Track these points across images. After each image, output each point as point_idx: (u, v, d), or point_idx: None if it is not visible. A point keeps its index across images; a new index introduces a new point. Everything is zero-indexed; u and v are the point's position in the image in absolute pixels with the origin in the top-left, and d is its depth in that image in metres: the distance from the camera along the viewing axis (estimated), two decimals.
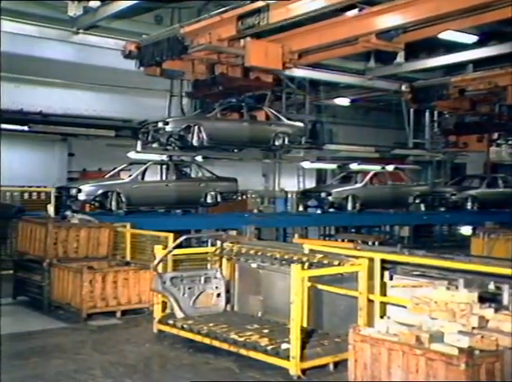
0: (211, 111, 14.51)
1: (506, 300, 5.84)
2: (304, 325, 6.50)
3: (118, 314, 8.77)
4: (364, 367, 5.10)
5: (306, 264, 6.77)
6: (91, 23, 13.54)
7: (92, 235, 9.76)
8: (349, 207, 16.08)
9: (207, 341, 6.97)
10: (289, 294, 6.13)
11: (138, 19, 15.09)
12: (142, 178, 13.72)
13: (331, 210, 16.24)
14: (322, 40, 12.00)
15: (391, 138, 22.16)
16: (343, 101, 20.93)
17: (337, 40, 12.05)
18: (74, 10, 12.66)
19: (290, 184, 19.13)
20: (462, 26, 11.58)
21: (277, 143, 15.03)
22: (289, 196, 17.92)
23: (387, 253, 7.13)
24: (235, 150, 16.06)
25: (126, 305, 8.89)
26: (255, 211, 16.60)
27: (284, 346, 6.20)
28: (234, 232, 12.04)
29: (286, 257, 7.20)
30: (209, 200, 14.31)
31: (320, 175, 23.51)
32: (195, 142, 13.63)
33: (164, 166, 14.74)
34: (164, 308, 7.94)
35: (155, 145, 14.12)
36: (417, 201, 17.80)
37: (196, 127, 13.61)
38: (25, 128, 15.53)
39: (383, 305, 6.57)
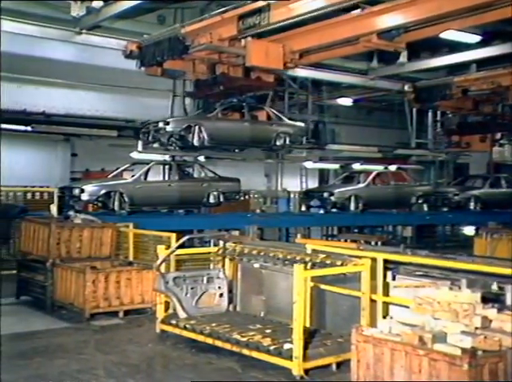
0: (212, 110, 14.53)
1: (509, 300, 5.83)
2: (307, 325, 6.49)
3: (121, 314, 8.78)
4: (367, 367, 5.10)
5: (309, 264, 6.77)
6: (94, 23, 13.55)
7: (95, 235, 9.78)
8: (352, 207, 16.07)
9: (209, 341, 6.97)
10: (292, 294, 6.13)
11: (141, 19, 15.09)
12: (145, 178, 13.73)
13: (334, 210, 16.23)
14: (323, 39, 11.98)
15: (394, 138, 22.14)
16: (346, 101, 20.91)
17: (338, 40, 12.01)
18: (77, 10, 12.69)
19: (293, 184, 19.13)
20: (463, 26, 11.54)
21: (278, 143, 15.02)
22: (292, 196, 17.95)
23: (390, 253, 7.12)
24: (236, 150, 16.07)
25: (129, 305, 8.91)
26: (258, 211, 16.63)
27: (286, 346, 6.20)
28: (236, 232, 12.06)
29: (289, 257, 7.20)
30: (212, 200, 14.32)
31: (323, 175, 23.49)
32: (195, 142, 13.64)
33: (166, 166, 14.75)
34: (166, 308, 7.95)
35: (156, 145, 14.14)
36: (420, 201, 17.78)
37: (197, 127, 13.62)
38: (28, 128, 15.57)
39: (386, 305, 6.56)
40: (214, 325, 7.15)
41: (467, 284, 6.03)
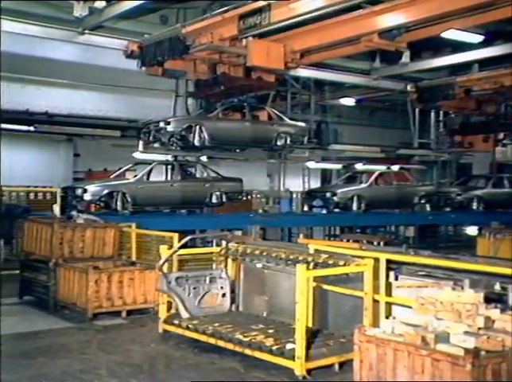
0: (213, 110, 14.53)
1: (511, 300, 5.82)
2: (310, 325, 6.50)
3: (124, 314, 8.79)
4: (369, 367, 5.09)
5: (311, 264, 6.77)
6: (97, 23, 13.58)
7: (98, 235, 9.78)
8: (354, 207, 16.07)
9: (212, 341, 6.97)
10: (294, 294, 6.13)
11: (144, 19, 15.11)
12: (147, 178, 13.75)
13: (337, 210, 16.23)
14: (324, 39, 11.98)
15: (396, 138, 22.12)
16: (349, 101, 20.91)
17: (339, 40, 12.01)
18: (80, 11, 12.69)
19: (295, 184, 19.11)
20: (465, 25, 11.54)
21: (279, 143, 15.03)
22: (294, 196, 17.93)
23: (392, 253, 7.12)
24: (237, 150, 16.07)
25: (132, 305, 8.91)
26: (260, 211, 16.62)
27: (289, 346, 6.19)
28: (239, 232, 12.05)
29: (291, 257, 7.20)
30: (214, 200, 14.33)
31: (325, 175, 23.49)
32: (196, 142, 13.65)
33: (169, 166, 14.76)
34: (169, 308, 7.95)
35: (156, 145, 14.15)
36: (423, 201, 17.78)
37: (198, 127, 13.63)
38: (31, 128, 15.60)
39: (388, 305, 6.56)
40: (216, 325, 7.15)
41: (469, 284, 6.02)
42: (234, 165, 18.37)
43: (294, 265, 6.59)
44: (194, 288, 7.83)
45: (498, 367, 4.64)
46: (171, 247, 8.45)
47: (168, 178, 14.61)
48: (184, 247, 8.34)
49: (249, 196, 17.63)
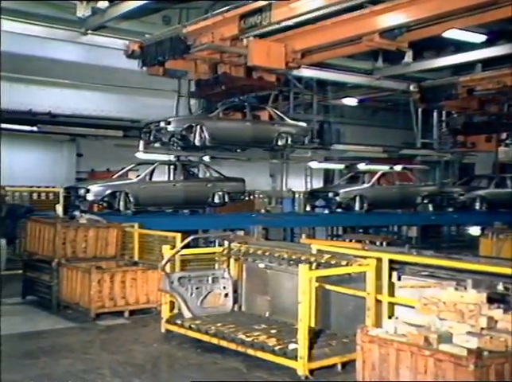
0: (214, 110, 14.52)
1: None
2: (312, 325, 6.49)
3: (126, 314, 8.80)
4: (372, 367, 5.09)
5: (314, 264, 6.76)
6: (100, 24, 13.59)
7: (100, 235, 9.79)
8: (357, 207, 16.06)
9: (214, 340, 6.98)
10: (297, 294, 6.13)
11: (146, 20, 15.12)
12: (150, 178, 13.76)
13: (339, 210, 16.22)
14: (325, 39, 11.95)
15: (399, 138, 22.10)
16: (351, 101, 20.88)
17: (340, 40, 11.98)
18: (82, 11, 12.72)
19: (297, 184, 19.12)
20: (466, 25, 11.52)
21: (280, 143, 15.02)
22: (297, 196, 17.91)
23: (395, 253, 7.11)
24: (238, 150, 16.06)
25: (134, 305, 8.92)
26: (263, 211, 16.63)
27: (291, 346, 6.20)
28: (241, 232, 12.06)
29: (294, 257, 7.20)
30: (216, 200, 14.33)
31: (328, 175, 23.47)
32: (197, 142, 13.64)
33: (171, 166, 14.78)
34: (172, 308, 7.96)
35: (157, 144, 14.16)
36: (425, 201, 17.75)
37: (198, 127, 13.62)
38: (34, 129, 15.63)
39: (391, 305, 6.56)
40: (219, 325, 7.16)
41: (472, 284, 6.00)
42: (236, 165, 18.38)
43: (296, 265, 6.59)
44: (196, 288, 7.84)
45: (501, 367, 4.64)
46: (173, 247, 8.46)
47: (171, 178, 14.63)
48: (186, 247, 8.34)
49: (251, 197, 17.63)
